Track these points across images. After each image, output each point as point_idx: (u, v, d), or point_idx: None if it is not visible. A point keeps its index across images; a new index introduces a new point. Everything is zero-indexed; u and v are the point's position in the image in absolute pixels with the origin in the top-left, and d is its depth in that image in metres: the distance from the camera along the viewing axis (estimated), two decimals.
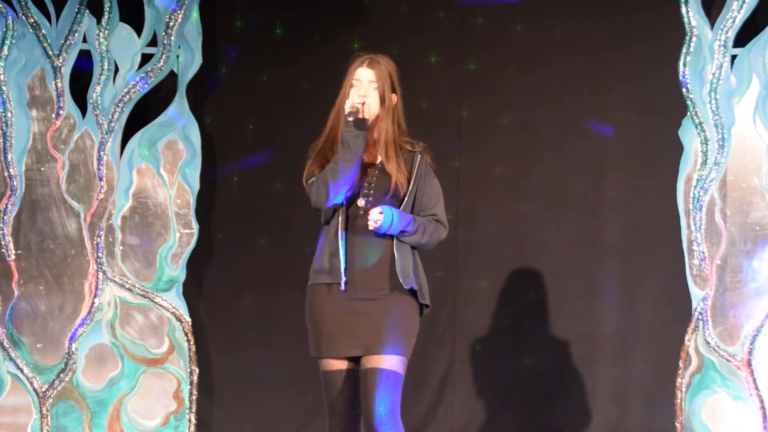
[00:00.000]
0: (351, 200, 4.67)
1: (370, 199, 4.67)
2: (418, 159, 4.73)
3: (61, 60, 6.62)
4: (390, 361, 4.57)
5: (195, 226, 6.76)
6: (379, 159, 4.72)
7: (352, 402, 4.65)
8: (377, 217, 4.58)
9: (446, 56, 6.91)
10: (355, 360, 4.65)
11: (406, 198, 4.69)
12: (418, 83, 6.73)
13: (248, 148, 7.00)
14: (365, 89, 4.66)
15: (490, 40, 6.87)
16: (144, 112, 6.84)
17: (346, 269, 4.62)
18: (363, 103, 4.63)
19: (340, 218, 4.65)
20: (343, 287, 4.62)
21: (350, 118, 4.58)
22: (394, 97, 4.71)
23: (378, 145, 4.70)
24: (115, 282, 6.66)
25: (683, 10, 6.29)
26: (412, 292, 4.66)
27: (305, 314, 4.74)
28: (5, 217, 6.58)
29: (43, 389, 6.58)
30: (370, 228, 4.59)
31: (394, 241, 4.65)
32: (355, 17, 6.93)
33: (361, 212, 4.65)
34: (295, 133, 6.68)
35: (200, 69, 6.77)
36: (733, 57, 6.33)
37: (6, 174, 6.59)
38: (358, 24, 6.91)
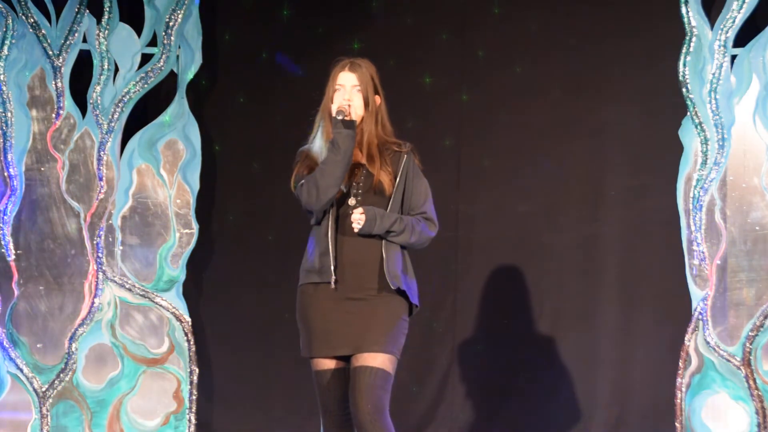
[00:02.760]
0: (341, 200, 4.70)
1: (359, 198, 4.71)
2: (405, 159, 4.77)
3: (61, 60, 6.62)
4: (379, 359, 4.60)
5: (195, 226, 6.76)
6: (364, 160, 4.75)
7: (345, 400, 4.67)
8: (359, 217, 4.62)
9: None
10: (345, 359, 4.68)
11: (393, 197, 4.72)
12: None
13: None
14: (349, 93, 4.70)
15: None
16: (144, 112, 6.84)
17: (336, 268, 4.65)
18: (349, 106, 4.67)
19: (330, 218, 4.69)
20: (333, 286, 4.64)
21: (339, 117, 4.62)
22: (378, 99, 4.76)
23: (362, 146, 4.73)
24: (115, 282, 6.66)
25: (683, 10, 6.29)
26: (401, 292, 4.69)
27: (296, 315, 4.78)
28: (5, 217, 6.58)
29: (43, 389, 6.58)
30: (354, 229, 4.63)
31: (383, 241, 4.68)
32: (359, 19, 6.93)
33: (350, 212, 4.68)
34: (291, 125, 6.72)
35: (200, 68, 6.78)
36: (733, 57, 6.32)
37: (6, 174, 6.59)
38: (360, 26, 6.91)
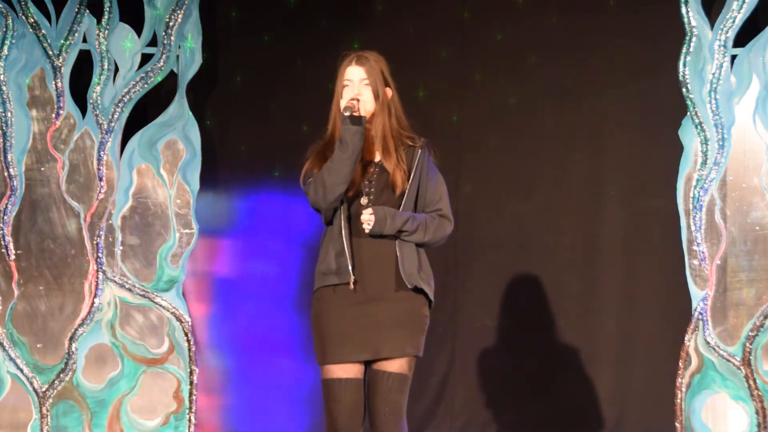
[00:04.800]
0: (353, 199, 4.64)
1: (371, 197, 4.64)
2: (419, 154, 4.66)
3: (61, 60, 6.62)
4: (396, 364, 4.54)
5: (195, 226, 6.76)
6: (378, 157, 4.69)
7: (354, 414, 4.54)
8: (368, 218, 4.55)
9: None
10: (362, 364, 4.61)
11: (406, 194, 4.64)
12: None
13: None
14: (358, 88, 4.62)
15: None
16: (144, 112, 6.84)
17: (353, 268, 4.57)
18: (358, 101, 4.59)
19: (342, 217, 4.61)
20: (352, 287, 4.58)
21: (347, 113, 4.53)
22: (389, 91, 4.67)
23: (376, 141, 4.67)
24: (115, 282, 6.66)
25: (683, 10, 6.29)
26: (419, 289, 4.63)
27: (312, 321, 4.65)
28: (5, 217, 6.58)
29: (43, 389, 6.58)
30: (365, 230, 4.58)
31: (397, 240, 4.63)
32: (362, 20, 6.92)
33: (362, 211, 4.62)
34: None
35: (200, 68, 6.78)
36: (733, 57, 6.32)
37: (6, 174, 6.59)
38: (363, 27, 6.90)
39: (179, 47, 6.73)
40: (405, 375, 4.56)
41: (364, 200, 4.63)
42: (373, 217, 4.54)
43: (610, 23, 6.73)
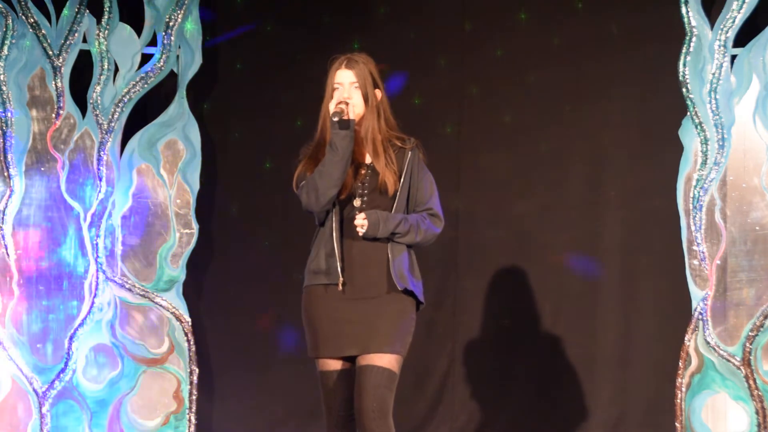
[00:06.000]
0: (346, 201, 4.67)
1: (365, 198, 4.68)
2: (410, 155, 4.72)
3: (61, 60, 6.62)
4: (385, 359, 4.58)
5: (195, 226, 6.77)
6: (369, 159, 4.72)
7: (349, 401, 4.65)
8: (361, 222, 4.59)
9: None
10: (351, 359, 4.66)
11: (398, 195, 4.68)
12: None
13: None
14: (348, 91, 4.66)
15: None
16: (144, 112, 6.84)
17: (343, 270, 4.62)
18: (347, 104, 4.62)
19: (334, 219, 4.66)
20: (340, 288, 4.62)
21: (335, 118, 4.58)
22: (378, 93, 4.71)
23: (365, 143, 4.70)
24: (115, 282, 6.66)
25: (683, 10, 6.29)
26: (408, 291, 4.67)
27: (302, 315, 4.75)
28: (5, 217, 6.58)
29: (43, 389, 6.58)
30: (359, 234, 4.60)
31: (389, 242, 4.66)
32: (364, 20, 6.92)
33: (355, 213, 4.65)
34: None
35: (200, 68, 6.78)
36: (733, 57, 6.32)
37: (6, 174, 6.59)
38: (363, 27, 6.90)
39: (179, 47, 6.73)
40: (393, 372, 4.60)
41: (357, 202, 4.68)
42: (366, 222, 4.58)
43: (610, 24, 6.73)
